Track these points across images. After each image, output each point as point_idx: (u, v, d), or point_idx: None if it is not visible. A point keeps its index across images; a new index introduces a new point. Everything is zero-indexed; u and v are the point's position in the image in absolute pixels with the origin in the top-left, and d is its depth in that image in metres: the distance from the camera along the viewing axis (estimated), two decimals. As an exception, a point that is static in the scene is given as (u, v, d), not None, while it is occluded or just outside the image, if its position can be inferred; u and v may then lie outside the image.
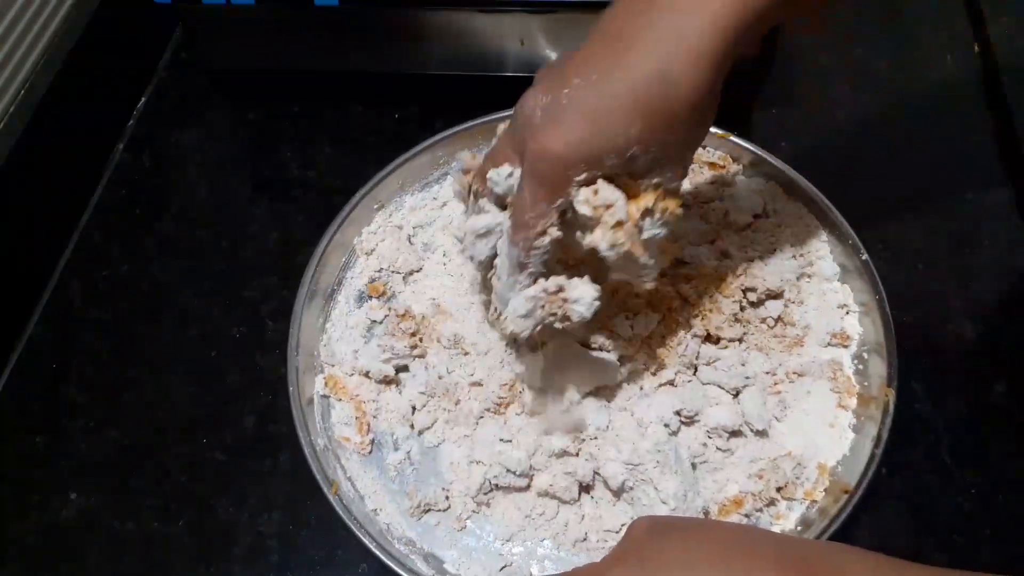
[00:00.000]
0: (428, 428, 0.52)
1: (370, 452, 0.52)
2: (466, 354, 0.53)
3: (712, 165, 0.61)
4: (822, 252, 0.57)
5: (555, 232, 0.41)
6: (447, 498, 0.50)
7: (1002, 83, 0.66)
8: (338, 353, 0.55)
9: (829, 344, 0.54)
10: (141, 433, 0.55)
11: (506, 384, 0.51)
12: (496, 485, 0.49)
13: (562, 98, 0.39)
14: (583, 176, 0.39)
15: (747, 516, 0.48)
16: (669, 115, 0.38)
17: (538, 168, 0.40)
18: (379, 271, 0.58)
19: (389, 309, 0.56)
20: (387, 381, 0.54)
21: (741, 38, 0.38)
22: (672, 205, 0.41)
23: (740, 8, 0.37)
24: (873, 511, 0.47)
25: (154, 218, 0.65)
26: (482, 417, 0.51)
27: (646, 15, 0.38)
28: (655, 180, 0.41)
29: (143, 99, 0.73)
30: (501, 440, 0.50)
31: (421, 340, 0.54)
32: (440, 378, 0.52)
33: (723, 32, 0.37)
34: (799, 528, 0.47)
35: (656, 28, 0.38)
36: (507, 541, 0.48)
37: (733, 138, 0.60)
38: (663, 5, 0.38)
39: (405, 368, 0.54)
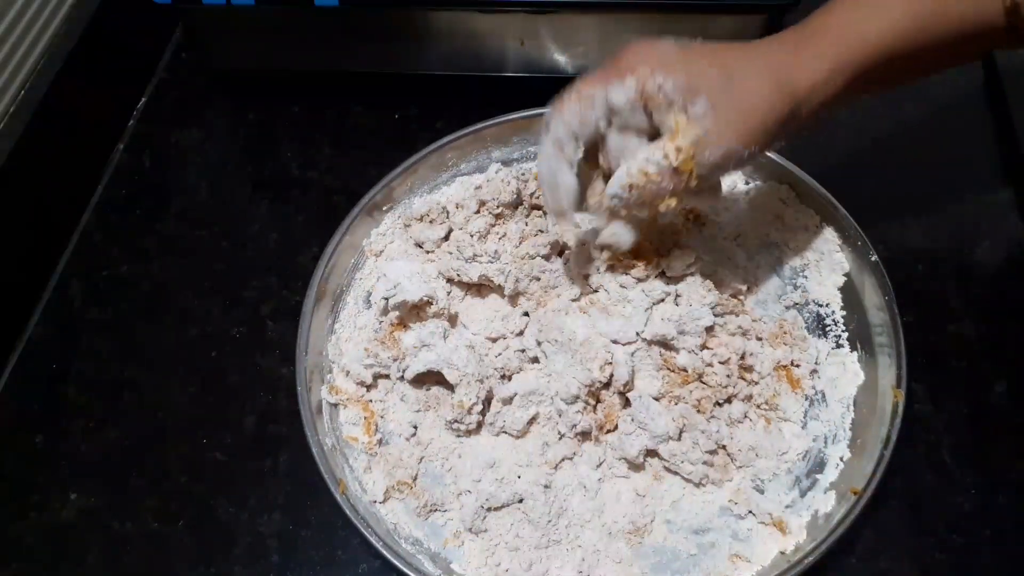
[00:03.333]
0: (433, 439, 0.52)
1: (377, 452, 0.52)
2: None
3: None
4: (832, 251, 0.57)
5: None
6: (457, 496, 0.50)
7: (1002, 83, 0.66)
8: (346, 354, 0.55)
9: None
10: (141, 433, 0.55)
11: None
12: (490, 508, 0.49)
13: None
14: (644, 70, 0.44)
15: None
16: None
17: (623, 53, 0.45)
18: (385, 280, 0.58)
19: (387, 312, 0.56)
20: (365, 385, 0.54)
21: (831, 101, 0.45)
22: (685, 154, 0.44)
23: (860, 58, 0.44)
24: (873, 511, 0.47)
25: (154, 218, 0.65)
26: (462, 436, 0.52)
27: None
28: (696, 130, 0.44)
29: (143, 99, 0.73)
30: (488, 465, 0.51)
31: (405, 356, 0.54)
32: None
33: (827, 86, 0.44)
34: (807, 533, 0.48)
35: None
36: (515, 550, 0.48)
37: None
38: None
39: (386, 376, 0.54)
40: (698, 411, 0.50)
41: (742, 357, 0.51)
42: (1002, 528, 0.49)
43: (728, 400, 0.51)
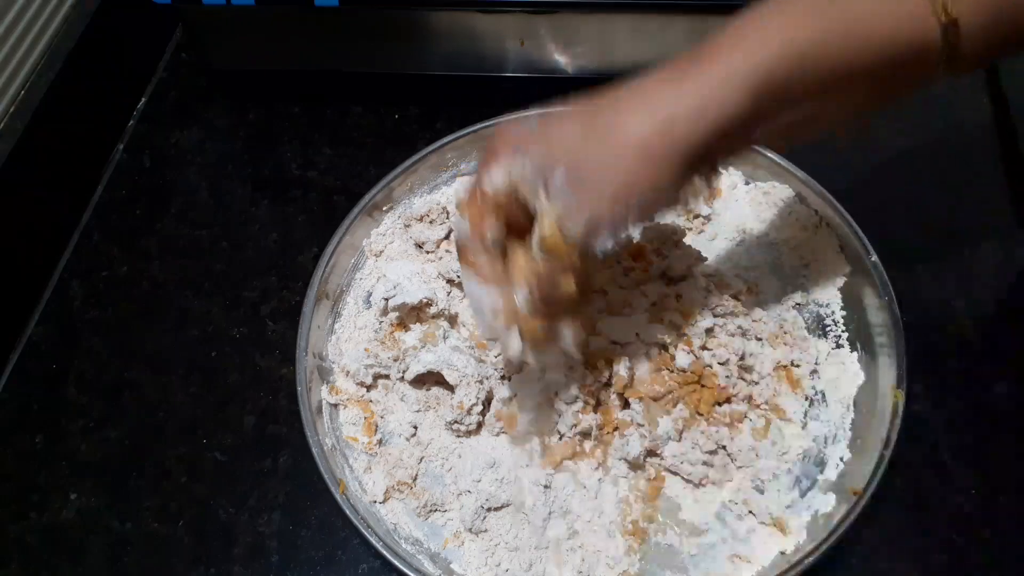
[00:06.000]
0: (433, 439, 0.52)
1: (377, 452, 0.52)
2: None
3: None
4: (832, 252, 0.57)
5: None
6: (457, 496, 0.50)
7: (1002, 83, 0.66)
8: (346, 354, 0.55)
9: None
10: (141, 433, 0.55)
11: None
12: (490, 508, 0.49)
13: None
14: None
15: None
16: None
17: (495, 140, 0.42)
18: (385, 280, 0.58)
19: (388, 313, 0.56)
20: (365, 386, 0.54)
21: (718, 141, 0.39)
22: (557, 244, 0.41)
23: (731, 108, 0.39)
24: (873, 511, 0.47)
25: (154, 218, 0.65)
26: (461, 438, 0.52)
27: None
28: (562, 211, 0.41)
29: (143, 99, 0.73)
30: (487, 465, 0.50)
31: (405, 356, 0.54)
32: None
33: (707, 126, 0.39)
34: (807, 533, 0.47)
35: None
36: (514, 550, 0.48)
37: None
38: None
39: (386, 376, 0.54)
40: (698, 412, 0.50)
41: (742, 357, 0.51)
42: (1002, 528, 0.49)
43: (728, 400, 0.51)
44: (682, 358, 0.50)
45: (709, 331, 0.51)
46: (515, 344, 0.44)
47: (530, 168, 0.41)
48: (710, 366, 0.51)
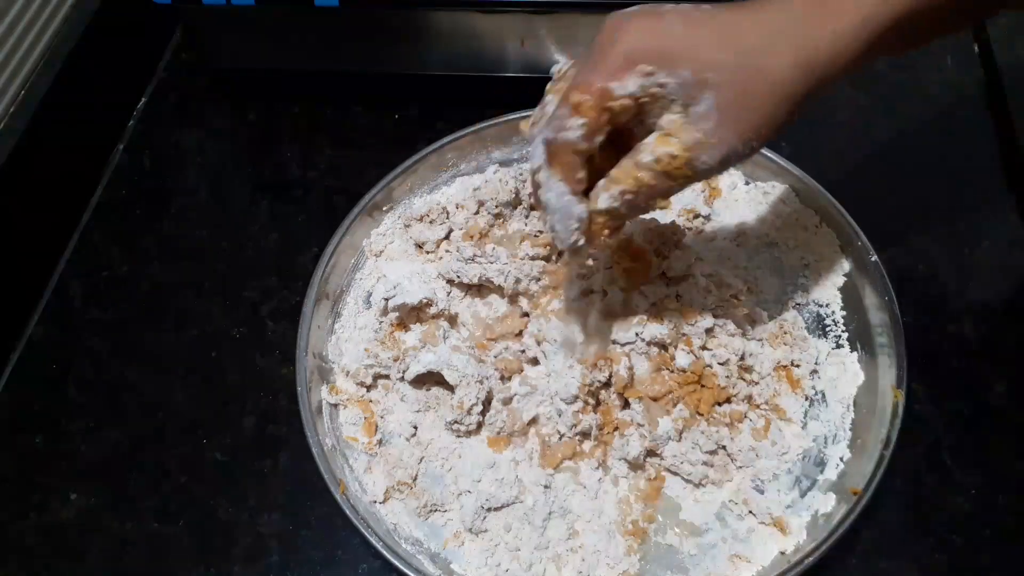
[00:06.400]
0: (433, 439, 0.52)
1: (377, 452, 0.52)
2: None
3: (714, 190, 0.61)
4: (832, 252, 0.57)
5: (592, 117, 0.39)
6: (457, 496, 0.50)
7: (1002, 83, 0.66)
8: (347, 354, 0.55)
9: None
10: (141, 433, 0.55)
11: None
12: (490, 508, 0.49)
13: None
14: (646, 69, 0.38)
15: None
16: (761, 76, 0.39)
17: (606, 42, 0.39)
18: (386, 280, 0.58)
19: (388, 312, 0.56)
20: (365, 386, 0.54)
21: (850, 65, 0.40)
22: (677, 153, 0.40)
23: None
24: (873, 511, 0.47)
25: (154, 218, 0.65)
26: (461, 437, 0.52)
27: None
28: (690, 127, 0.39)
29: (143, 99, 0.73)
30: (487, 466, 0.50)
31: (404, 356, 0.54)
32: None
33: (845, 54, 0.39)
34: (807, 533, 0.48)
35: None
36: (514, 551, 0.48)
37: None
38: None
39: (386, 376, 0.54)
40: (698, 412, 0.50)
41: (742, 358, 0.51)
42: (1002, 528, 0.49)
43: (728, 400, 0.51)
44: (682, 358, 0.50)
45: (709, 331, 0.51)
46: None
47: (675, 86, 0.38)
48: (710, 366, 0.51)
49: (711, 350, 0.51)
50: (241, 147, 0.70)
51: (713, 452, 0.49)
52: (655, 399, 0.50)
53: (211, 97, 0.73)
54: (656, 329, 0.51)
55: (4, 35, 0.62)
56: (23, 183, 0.63)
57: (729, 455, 0.50)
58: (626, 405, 0.51)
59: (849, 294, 0.56)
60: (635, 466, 0.50)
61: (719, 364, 0.51)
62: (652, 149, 0.40)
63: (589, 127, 0.39)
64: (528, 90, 0.65)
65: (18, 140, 0.62)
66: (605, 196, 0.41)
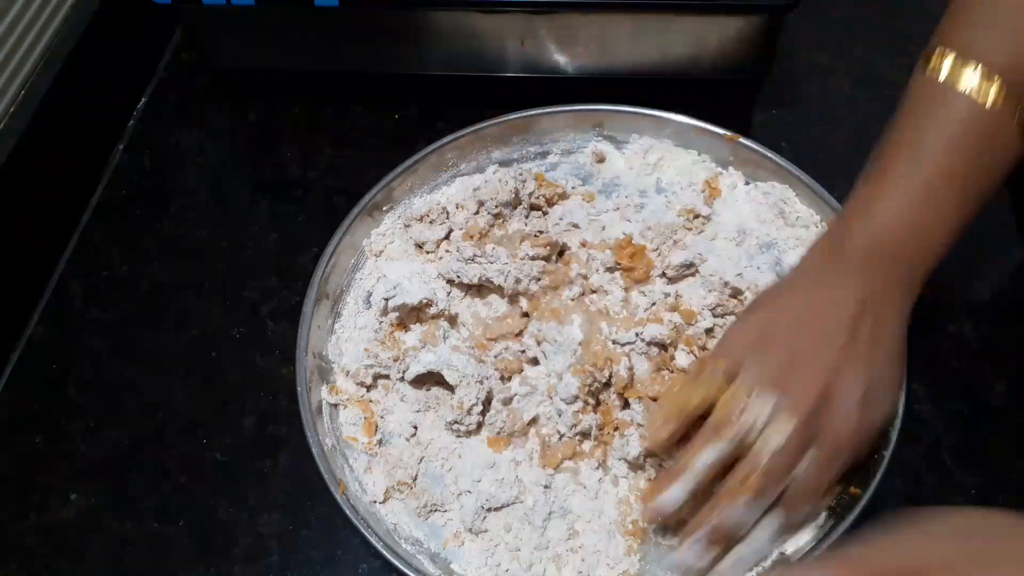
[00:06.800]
0: (433, 439, 0.52)
1: (377, 452, 0.52)
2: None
3: (714, 190, 0.61)
4: None
5: None
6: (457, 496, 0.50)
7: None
8: (347, 354, 0.55)
9: None
10: (141, 433, 0.55)
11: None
12: (490, 508, 0.49)
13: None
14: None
15: None
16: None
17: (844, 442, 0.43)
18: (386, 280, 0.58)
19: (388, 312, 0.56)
20: (365, 386, 0.54)
21: None
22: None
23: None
24: (874, 511, 0.47)
25: (154, 218, 0.65)
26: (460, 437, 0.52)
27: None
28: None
29: (143, 99, 0.73)
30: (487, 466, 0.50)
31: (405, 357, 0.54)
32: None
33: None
34: (808, 530, 0.47)
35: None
36: (515, 551, 0.48)
37: (743, 140, 0.60)
38: None
39: (386, 376, 0.54)
40: None
41: None
42: (1002, 528, 0.49)
43: None
44: (682, 358, 0.50)
45: (709, 331, 0.51)
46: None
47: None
48: None
49: (711, 350, 0.51)
50: (241, 147, 0.70)
51: None
52: (655, 399, 0.50)
53: (211, 97, 0.73)
54: (656, 329, 0.51)
55: (4, 35, 0.62)
56: (23, 183, 0.63)
57: None
58: (626, 405, 0.51)
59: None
60: (635, 466, 0.50)
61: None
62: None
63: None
64: (528, 90, 0.65)
65: (18, 140, 0.62)
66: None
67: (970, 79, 0.40)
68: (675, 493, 0.43)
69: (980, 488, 0.50)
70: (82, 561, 0.50)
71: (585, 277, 0.54)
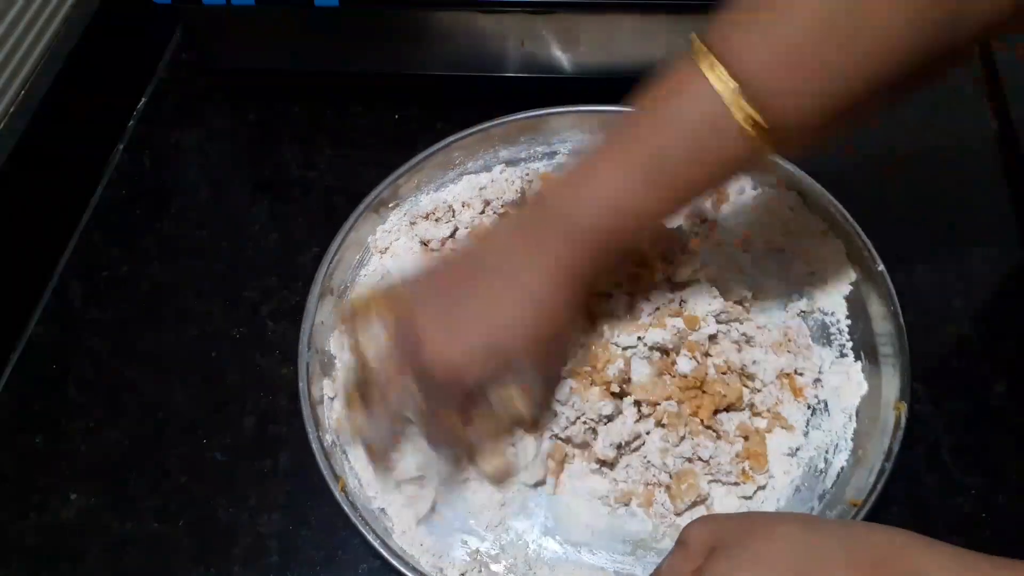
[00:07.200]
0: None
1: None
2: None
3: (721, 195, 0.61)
4: (838, 259, 0.57)
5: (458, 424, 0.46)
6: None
7: (1002, 82, 0.66)
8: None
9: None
10: (141, 433, 0.55)
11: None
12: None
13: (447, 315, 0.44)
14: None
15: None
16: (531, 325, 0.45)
17: (438, 376, 0.44)
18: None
19: None
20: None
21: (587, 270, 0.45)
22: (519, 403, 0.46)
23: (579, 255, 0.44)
24: (873, 512, 0.47)
25: (154, 218, 0.65)
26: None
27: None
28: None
29: (143, 99, 0.73)
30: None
31: None
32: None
33: (568, 269, 0.44)
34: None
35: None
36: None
37: None
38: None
39: None
40: (701, 421, 0.49)
41: (744, 366, 0.51)
42: (1002, 528, 0.49)
43: (729, 408, 0.50)
44: (684, 364, 0.50)
45: (712, 338, 0.51)
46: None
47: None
48: (712, 372, 0.50)
49: (713, 356, 0.51)
50: (241, 147, 0.70)
51: (689, 460, 0.49)
52: (656, 403, 0.50)
53: (211, 97, 0.73)
54: (659, 334, 0.50)
55: (4, 35, 0.62)
56: (23, 183, 0.62)
57: (706, 463, 0.49)
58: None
59: (855, 303, 0.56)
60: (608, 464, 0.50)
61: (721, 373, 0.50)
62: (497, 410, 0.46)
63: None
64: (528, 90, 0.65)
65: (18, 140, 0.62)
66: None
67: (719, 75, 0.40)
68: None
69: (980, 488, 0.50)
70: (82, 561, 0.50)
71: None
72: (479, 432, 0.47)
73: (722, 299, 0.53)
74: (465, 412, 0.46)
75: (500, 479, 0.49)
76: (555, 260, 0.44)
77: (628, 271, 0.54)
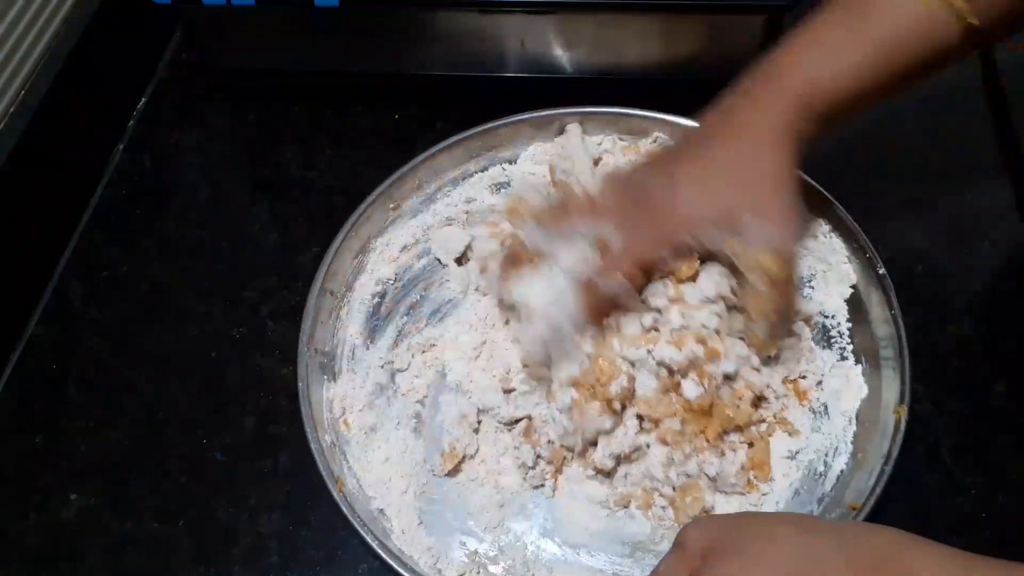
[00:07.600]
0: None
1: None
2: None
3: None
4: (840, 262, 0.57)
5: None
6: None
7: (1001, 81, 0.66)
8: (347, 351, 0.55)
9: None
10: (141, 433, 0.55)
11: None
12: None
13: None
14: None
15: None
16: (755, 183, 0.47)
17: (661, 223, 0.48)
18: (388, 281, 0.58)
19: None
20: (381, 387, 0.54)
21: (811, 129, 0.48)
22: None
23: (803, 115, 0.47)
24: (873, 512, 0.47)
25: (154, 218, 0.65)
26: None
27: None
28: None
29: (143, 99, 0.73)
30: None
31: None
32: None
33: (789, 129, 0.47)
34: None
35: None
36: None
37: None
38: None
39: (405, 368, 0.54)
40: (705, 439, 0.48)
41: (761, 390, 0.50)
42: (1002, 528, 0.49)
43: (738, 429, 0.49)
44: (690, 389, 0.48)
45: (728, 377, 0.49)
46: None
47: (709, 230, 0.47)
48: (724, 400, 0.49)
49: (732, 380, 0.49)
50: (241, 147, 0.70)
51: (691, 476, 0.48)
52: (657, 422, 0.48)
53: (211, 97, 0.73)
54: (669, 352, 0.48)
55: (4, 35, 0.62)
56: (23, 183, 0.63)
57: (712, 479, 0.48)
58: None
59: (855, 306, 0.55)
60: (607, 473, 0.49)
61: (736, 400, 0.49)
62: (751, 280, 0.47)
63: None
64: (528, 90, 0.65)
65: (18, 140, 0.62)
66: (763, 332, 0.49)
67: None
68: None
69: (980, 488, 0.50)
70: (82, 561, 0.50)
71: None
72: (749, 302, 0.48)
73: (719, 303, 0.50)
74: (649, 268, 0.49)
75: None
76: (783, 123, 0.47)
77: (629, 272, 0.53)
